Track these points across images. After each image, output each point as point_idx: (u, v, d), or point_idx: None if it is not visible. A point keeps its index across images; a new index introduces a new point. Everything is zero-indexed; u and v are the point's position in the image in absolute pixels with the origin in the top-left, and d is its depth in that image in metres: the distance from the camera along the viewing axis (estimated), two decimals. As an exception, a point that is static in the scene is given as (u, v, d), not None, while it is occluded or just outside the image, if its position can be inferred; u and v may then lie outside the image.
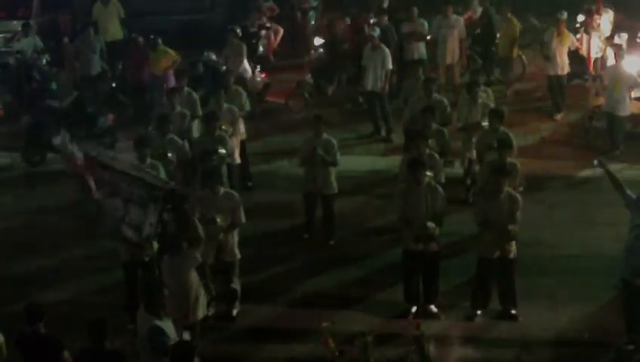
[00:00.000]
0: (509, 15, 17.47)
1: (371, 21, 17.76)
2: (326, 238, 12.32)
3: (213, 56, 16.70)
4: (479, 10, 18.36)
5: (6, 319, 9.93)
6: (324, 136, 12.14)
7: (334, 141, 12.15)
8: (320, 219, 12.38)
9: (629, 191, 9.58)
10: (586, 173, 10.43)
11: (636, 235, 9.29)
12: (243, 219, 10.49)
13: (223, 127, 12.76)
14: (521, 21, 18.13)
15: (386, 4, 18.73)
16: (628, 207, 9.56)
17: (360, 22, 17.95)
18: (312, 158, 11.97)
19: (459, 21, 17.06)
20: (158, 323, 8.09)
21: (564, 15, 16.63)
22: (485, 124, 12.59)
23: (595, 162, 10.25)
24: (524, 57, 18.20)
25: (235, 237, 10.49)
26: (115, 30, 19.03)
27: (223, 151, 12.14)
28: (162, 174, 11.18)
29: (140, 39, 17.15)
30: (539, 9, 20.92)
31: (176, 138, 12.42)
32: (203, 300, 9.56)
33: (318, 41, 18.74)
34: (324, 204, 12.25)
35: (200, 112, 13.92)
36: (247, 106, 14.24)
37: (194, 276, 9.44)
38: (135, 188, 9.91)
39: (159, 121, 12.51)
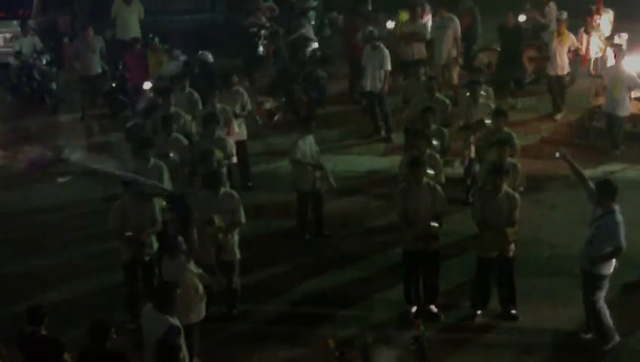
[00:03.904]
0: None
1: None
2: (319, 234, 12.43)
3: (209, 56, 16.63)
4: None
5: (6, 319, 9.97)
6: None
7: None
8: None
9: (591, 184, 9.69)
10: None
11: (597, 226, 9.42)
12: (243, 219, 10.50)
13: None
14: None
15: None
16: (590, 200, 9.69)
17: (356, 23, 17.85)
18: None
19: (454, 21, 17.04)
20: (173, 321, 8.08)
21: (564, 15, 16.62)
22: (488, 122, 12.59)
23: (557, 154, 10.16)
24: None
25: (235, 237, 10.48)
26: (134, 30, 18.91)
27: (220, 154, 12.08)
28: (166, 175, 11.21)
29: (139, 44, 17.09)
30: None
31: (180, 137, 12.40)
32: (202, 300, 9.55)
33: None
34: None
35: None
36: (249, 106, 14.21)
37: (193, 276, 9.42)
38: None
39: (163, 120, 12.48)
